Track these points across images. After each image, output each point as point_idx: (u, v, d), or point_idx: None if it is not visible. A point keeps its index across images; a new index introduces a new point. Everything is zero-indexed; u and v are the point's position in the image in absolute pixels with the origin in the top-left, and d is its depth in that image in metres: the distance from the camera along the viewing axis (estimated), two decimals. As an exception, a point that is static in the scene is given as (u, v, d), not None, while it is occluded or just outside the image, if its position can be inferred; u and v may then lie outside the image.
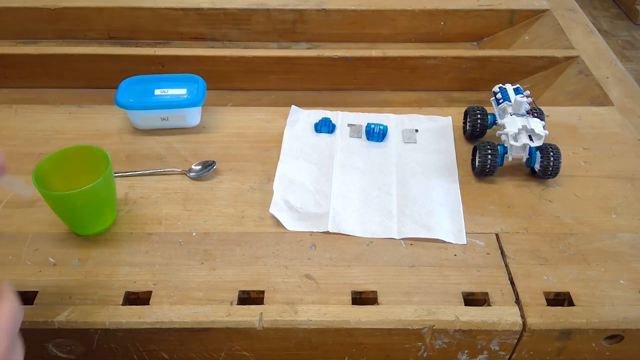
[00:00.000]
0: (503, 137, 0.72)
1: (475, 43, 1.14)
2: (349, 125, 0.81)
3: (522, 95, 0.73)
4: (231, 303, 0.58)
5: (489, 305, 0.58)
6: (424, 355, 0.60)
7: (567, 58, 0.97)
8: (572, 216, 0.68)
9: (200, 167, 0.73)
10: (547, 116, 0.82)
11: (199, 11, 1.08)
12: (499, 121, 0.74)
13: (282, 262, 0.62)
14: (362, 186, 0.71)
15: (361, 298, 0.60)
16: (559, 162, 0.70)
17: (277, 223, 0.66)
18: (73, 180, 0.63)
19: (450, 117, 0.83)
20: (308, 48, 1.11)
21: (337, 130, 0.80)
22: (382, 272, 0.61)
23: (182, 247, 0.64)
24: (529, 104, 0.73)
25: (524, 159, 0.72)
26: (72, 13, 1.07)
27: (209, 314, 0.57)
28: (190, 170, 0.73)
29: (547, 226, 0.67)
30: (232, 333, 0.57)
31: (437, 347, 0.59)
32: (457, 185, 0.72)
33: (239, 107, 0.86)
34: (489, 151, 0.70)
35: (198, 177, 0.72)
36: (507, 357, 0.61)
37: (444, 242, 0.65)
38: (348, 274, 0.61)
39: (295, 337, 0.58)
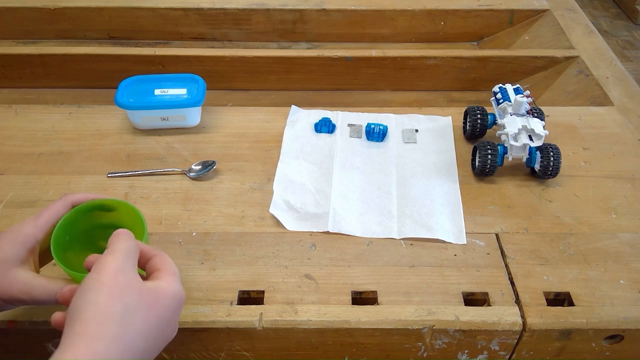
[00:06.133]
0: (503, 137, 0.72)
1: (475, 43, 1.14)
2: (349, 125, 0.81)
3: (522, 95, 0.73)
4: (231, 303, 0.58)
5: (489, 305, 0.58)
6: (424, 355, 0.60)
7: (567, 58, 0.97)
8: (572, 216, 0.68)
9: (200, 167, 0.73)
10: (547, 116, 0.82)
11: (199, 11, 1.08)
12: (499, 121, 0.74)
13: (282, 262, 0.62)
14: (362, 186, 0.71)
15: (361, 298, 0.60)
16: (559, 162, 0.70)
17: (277, 223, 0.66)
18: (103, 233, 0.55)
19: (450, 117, 0.83)
20: (308, 48, 1.11)
21: (337, 130, 0.80)
22: (382, 272, 0.61)
23: (182, 247, 0.64)
24: (529, 104, 0.73)
25: (524, 159, 0.72)
26: (72, 13, 1.08)
27: (209, 314, 0.57)
28: (190, 170, 0.73)
29: (547, 226, 0.67)
30: (232, 333, 0.57)
31: (437, 347, 0.59)
32: (457, 185, 0.72)
33: (239, 107, 0.86)
34: (489, 151, 0.70)
35: (198, 177, 0.72)
36: (507, 357, 0.61)
37: (444, 242, 0.65)
38: (348, 274, 0.61)
39: (295, 337, 0.58)
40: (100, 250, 0.51)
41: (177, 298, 0.44)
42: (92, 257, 0.45)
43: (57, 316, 0.43)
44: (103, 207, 0.56)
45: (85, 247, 0.56)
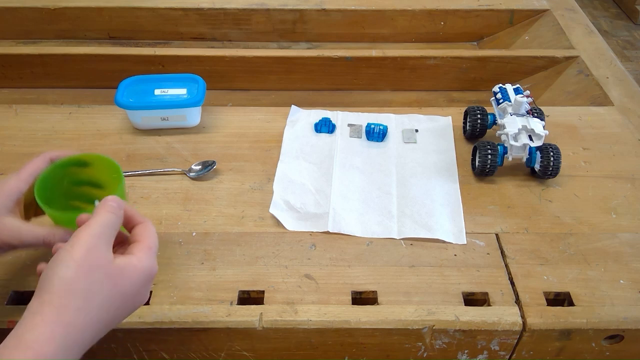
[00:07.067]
0: (503, 137, 0.72)
1: (475, 43, 1.14)
2: (349, 125, 0.81)
3: (522, 95, 0.73)
4: (231, 303, 0.58)
5: (489, 305, 0.58)
6: (424, 355, 0.60)
7: (567, 58, 0.97)
8: (572, 216, 0.68)
9: (200, 167, 0.73)
10: (547, 116, 0.82)
11: (199, 11, 1.08)
12: (499, 121, 0.74)
13: (282, 262, 0.62)
14: (362, 186, 0.71)
15: (361, 298, 0.60)
16: (559, 162, 0.70)
17: (277, 223, 0.66)
18: (79, 191, 0.60)
19: (450, 117, 0.83)
20: (308, 48, 1.11)
21: (337, 130, 0.80)
22: (382, 272, 0.61)
23: (182, 247, 0.64)
24: (529, 104, 0.73)
25: (524, 159, 0.72)
26: (72, 13, 1.08)
27: (209, 314, 0.57)
28: (190, 170, 0.73)
29: (547, 226, 0.67)
30: (232, 333, 0.57)
31: (437, 347, 0.59)
32: (457, 185, 0.72)
33: (239, 107, 0.86)
34: (489, 151, 0.70)
35: (198, 177, 0.72)
36: (507, 357, 0.61)
37: (444, 242, 0.65)
38: (348, 274, 0.61)
39: (295, 337, 0.58)
40: (78, 210, 0.54)
41: (146, 273, 0.47)
42: (84, 216, 0.48)
43: (42, 267, 0.46)
44: (79, 162, 0.58)
45: (65, 208, 0.58)
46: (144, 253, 0.47)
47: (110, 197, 0.48)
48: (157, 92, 0.78)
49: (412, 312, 0.57)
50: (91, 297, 0.43)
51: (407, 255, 0.63)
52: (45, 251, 0.62)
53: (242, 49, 1.05)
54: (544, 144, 0.70)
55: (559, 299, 0.60)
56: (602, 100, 0.88)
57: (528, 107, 0.72)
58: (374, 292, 0.59)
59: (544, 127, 0.71)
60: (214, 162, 0.73)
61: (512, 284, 0.60)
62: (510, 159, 0.71)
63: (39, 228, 0.53)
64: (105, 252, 0.45)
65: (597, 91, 0.90)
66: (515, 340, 0.58)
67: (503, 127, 0.72)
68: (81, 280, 0.43)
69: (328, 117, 0.82)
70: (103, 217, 0.46)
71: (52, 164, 0.56)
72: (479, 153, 0.71)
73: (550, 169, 0.70)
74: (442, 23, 1.11)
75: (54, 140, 0.77)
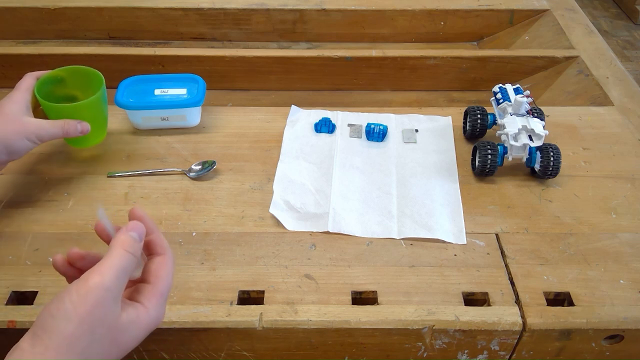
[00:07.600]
0: (503, 137, 0.72)
1: (475, 43, 1.14)
2: (349, 125, 0.81)
3: (522, 95, 0.73)
4: (231, 303, 0.58)
5: (489, 305, 0.58)
6: (424, 355, 0.60)
7: (567, 58, 0.97)
8: (572, 216, 0.68)
9: (200, 167, 0.73)
10: (547, 116, 0.82)
11: (199, 11, 1.08)
12: (499, 121, 0.74)
13: (282, 262, 0.62)
14: (362, 186, 0.71)
15: (361, 298, 0.60)
16: (559, 162, 0.70)
17: (277, 223, 0.66)
18: (68, 98, 0.71)
19: (450, 117, 0.83)
20: (308, 48, 1.11)
21: (337, 130, 0.80)
22: (382, 272, 0.61)
23: (182, 247, 0.64)
24: (529, 104, 0.73)
25: (524, 159, 0.72)
26: (72, 13, 1.08)
27: (209, 314, 0.57)
28: (190, 170, 0.73)
29: (547, 226, 0.67)
30: (232, 333, 0.57)
31: (437, 347, 0.59)
32: (457, 185, 0.72)
33: (239, 107, 0.86)
34: (489, 151, 0.70)
35: (198, 177, 0.72)
36: (507, 357, 0.61)
37: (444, 242, 0.65)
38: (348, 274, 0.61)
39: (295, 337, 0.58)
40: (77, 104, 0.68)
41: (151, 324, 0.44)
42: (102, 225, 0.46)
43: (58, 257, 0.46)
44: (56, 79, 0.70)
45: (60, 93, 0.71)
46: (154, 302, 0.44)
47: (132, 225, 0.44)
48: (157, 92, 0.78)
49: (412, 312, 0.57)
50: (88, 354, 0.41)
51: (407, 255, 0.63)
52: (46, 252, 0.63)
53: (242, 49, 1.05)
54: (544, 144, 0.70)
55: (559, 299, 0.60)
56: (602, 100, 0.88)
57: (528, 107, 0.72)
58: (374, 292, 0.59)
59: (544, 127, 0.71)
60: (214, 162, 0.73)
61: (512, 284, 0.61)
62: (510, 159, 0.71)
63: (56, 120, 0.66)
64: (112, 308, 0.42)
65: (597, 91, 0.90)
66: (515, 340, 0.58)
67: (503, 127, 0.72)
68: (82, 338, 0.40)
69: (328, 117, 0.82)
70: (119, 262, 0.42)
71: (37, 81, 0.67)
72: (479, 153, 0.72)
73: (550, 169, 0.70)
74: (442, 23, 1.11)
75: (54, 140, 0.77)
